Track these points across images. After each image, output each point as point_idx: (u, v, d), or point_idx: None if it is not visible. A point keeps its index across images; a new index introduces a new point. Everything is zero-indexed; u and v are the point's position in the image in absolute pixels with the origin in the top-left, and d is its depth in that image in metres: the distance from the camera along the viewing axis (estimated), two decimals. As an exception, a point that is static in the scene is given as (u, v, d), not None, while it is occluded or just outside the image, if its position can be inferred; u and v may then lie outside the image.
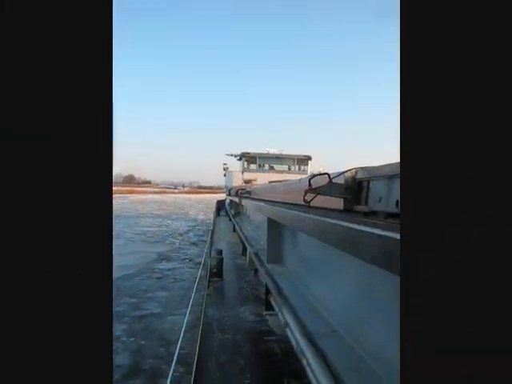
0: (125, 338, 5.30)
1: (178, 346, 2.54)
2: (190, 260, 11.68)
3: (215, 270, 5.54)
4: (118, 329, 5.56)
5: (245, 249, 6.56)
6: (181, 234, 18.86)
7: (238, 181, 17.27)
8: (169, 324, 5.82)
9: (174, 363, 2.13)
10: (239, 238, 7.84)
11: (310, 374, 1.70)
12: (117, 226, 19.73)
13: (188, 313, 3.14)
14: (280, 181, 5.67)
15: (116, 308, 6.57)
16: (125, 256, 11.65)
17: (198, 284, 5.30)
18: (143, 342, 5.15)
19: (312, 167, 18.37)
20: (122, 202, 46.28)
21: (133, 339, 5.26)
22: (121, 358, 4.65)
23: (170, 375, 1.92)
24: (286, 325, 2.32)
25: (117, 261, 10.02)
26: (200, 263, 6.51)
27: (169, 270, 10.36)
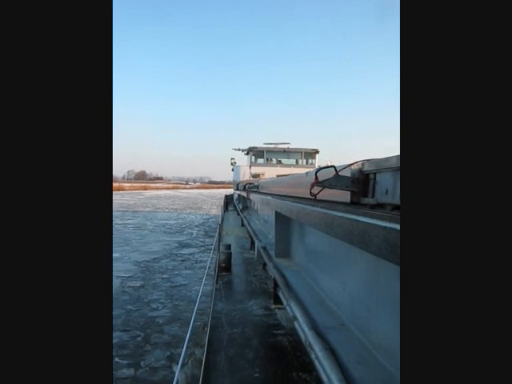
0: (163, 300, 7.17)
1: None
2: (207, 247, 13.17)
3: (224, 265, 5.55)
4: (156, 294, 7.54)
5: (253, 243, 6.56)
6: (197, 226, 20.31)
7: (245, 175, 17.26)
8: (195, 292, 7.51)
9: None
10: (247, 232, 7.85)
11: (319, 368, 1.70)
12: (137, 219, 22.49)
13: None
14: (287, 175, 5.64)
15: (152, 281, 8.56)
16: (150, 244, 13.71)
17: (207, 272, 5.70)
18: (177, 303, 7.09)
19: (319, 161, 18.30)
20: (139, 197, 49.99)
21: (169, 300, 7.19)
22: (163, 312, 6.48)
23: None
24: (295, 318, 2.32)
25: (145, 248, 12.85)
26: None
27: (190, 254, 12.10)
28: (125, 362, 4.59)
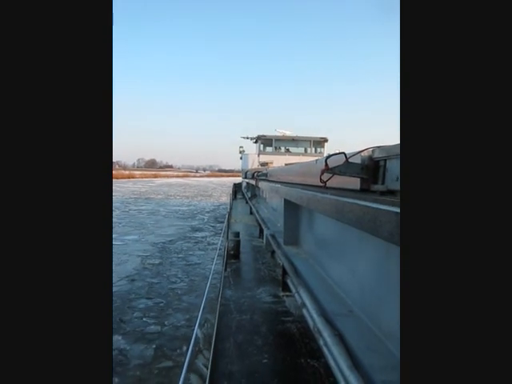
0: (180, 276, 8.05)
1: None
2: (218, 231, 13.84)
3: (232, 252, 5.57)
4: (174, 270, 8.46)
5: (261, 231, 6.57)
6: (208, 212, 21.32)
7: (254, 163, 17.28)
8: (208, 270, 7.98)
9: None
10: (256, 220, 7.86)
11: (327, 354, 1.71)
12: (151, 206, 23.64)
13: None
14: (296, 163, 5.61)
15: (169, 260, 9.48)
16: (164, 228, 14.72)
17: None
18: (193, 278, 7.93)
19: (328, 150, 18.24)
20: (150, 185, 52.80)
21: (186, 276, 8.05)
22: (181, 285, 7.39)
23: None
24: (303, 305, 2.33)
25: (160, 231, 13.90)
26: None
27: (202, 237, 13.02)
28: (152, 321, 5.56)
